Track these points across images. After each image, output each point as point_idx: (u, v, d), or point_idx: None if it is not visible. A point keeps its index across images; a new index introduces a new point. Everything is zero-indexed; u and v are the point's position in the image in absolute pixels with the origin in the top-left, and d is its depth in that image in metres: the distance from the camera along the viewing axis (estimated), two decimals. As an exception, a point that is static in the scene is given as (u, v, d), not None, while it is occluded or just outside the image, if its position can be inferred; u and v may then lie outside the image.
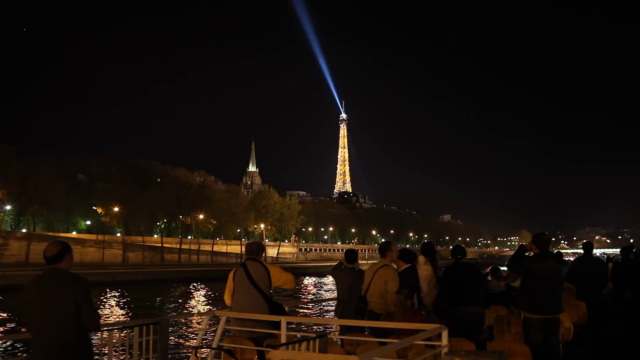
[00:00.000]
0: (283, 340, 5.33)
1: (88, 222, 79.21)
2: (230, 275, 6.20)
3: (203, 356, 5.96)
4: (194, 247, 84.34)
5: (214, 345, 5.95)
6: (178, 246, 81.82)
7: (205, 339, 6.42)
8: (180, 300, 38.09)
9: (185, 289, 46.38)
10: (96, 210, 73.75)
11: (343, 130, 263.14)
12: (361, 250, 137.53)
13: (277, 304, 6.06)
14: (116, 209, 71.38)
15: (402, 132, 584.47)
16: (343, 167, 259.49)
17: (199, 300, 38.90)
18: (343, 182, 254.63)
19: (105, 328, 5.21)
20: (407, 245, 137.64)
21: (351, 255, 7.96)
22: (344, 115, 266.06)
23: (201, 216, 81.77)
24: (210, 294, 43.15)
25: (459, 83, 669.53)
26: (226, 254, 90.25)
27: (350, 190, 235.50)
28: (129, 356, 5.18)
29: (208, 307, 33.52)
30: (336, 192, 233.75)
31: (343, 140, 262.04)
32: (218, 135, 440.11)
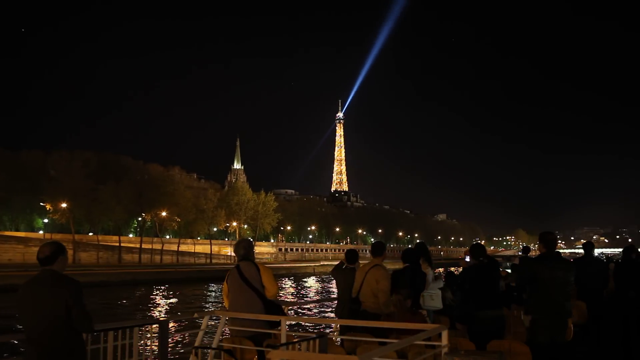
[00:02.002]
0: (283, 340, 5.33)
1: (45, 220, 73.20)
2: (226, 277, 6.24)
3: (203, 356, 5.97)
4: (157, 246, 78.15)
5: (214, 345, 5.95)
6: (139, 245, 75.35)
7: (205, 339, 6.41)
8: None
9: (135, 293, 41.24)
10: (48, 207, 67.77)
11: (340, 130, 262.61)
12: (343, 251, 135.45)
13: (273, 303, 6.05)
14: (64, 205, 64.98)
15: (400, 132, 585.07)
16: (340, 167, 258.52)
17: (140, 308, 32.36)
18: (339, 181, 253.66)
19: (105, 328, 5.21)
20: (400, 245, 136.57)
21: (352, 256, 7.99)
22: (340, 115, 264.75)
23: (164, 213, 74.98)
24: (159, 300, 37.48)
25: (456, 82, 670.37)
26: (194, 253, 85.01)
27: (347, 190, 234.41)
28: (129, 357, 5.18)
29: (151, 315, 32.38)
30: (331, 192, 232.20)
31: (340, 140, 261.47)
32: (215, 135, 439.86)
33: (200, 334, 6.27)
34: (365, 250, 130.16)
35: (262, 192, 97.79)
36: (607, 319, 9.48)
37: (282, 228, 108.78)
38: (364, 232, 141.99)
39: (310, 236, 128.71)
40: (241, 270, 6.03)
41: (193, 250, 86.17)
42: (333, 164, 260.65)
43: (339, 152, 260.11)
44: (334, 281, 8.22)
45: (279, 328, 5.59)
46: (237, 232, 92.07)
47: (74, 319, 4.18)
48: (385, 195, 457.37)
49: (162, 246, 78.63)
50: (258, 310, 5.85)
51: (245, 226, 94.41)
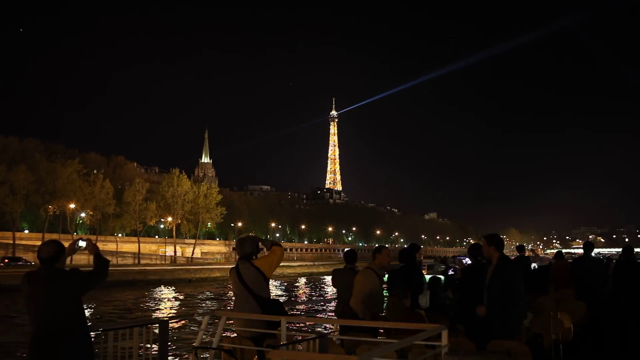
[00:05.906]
0: (283, 340, 5.32)
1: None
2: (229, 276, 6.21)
3: (203, 356, 5.97)
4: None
5: (214, 345, 5.94)
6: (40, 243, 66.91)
7: (205, 339, 6.41)
8: None
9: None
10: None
11: (333, 128, 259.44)
12: (312, 250, 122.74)
13: (273, 303, 5.99)
14: None
15: (397, 132, 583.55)
16: (333, 166, 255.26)
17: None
18: (333, 180, 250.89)
19: (105, 328, 5.21)
20: (388, 245, 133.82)
21: (351, 256, 7.99)
22: (334, 113, 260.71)
23: (72, 205, 66.44)
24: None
25: (454, 80, 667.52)
26: (117, 252, 74.59)
27: (341, 189, 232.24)
28: (128, 357, 5.18)
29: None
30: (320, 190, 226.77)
31: (333, 138, 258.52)
32: (192, 128, 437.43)
33: (200, 334, 6.27)
34: (338, 250, 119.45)
35: (203, 184, 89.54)
36: (607, 319, 9.49)
37: (232, 225, 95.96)
38: (343, 231, 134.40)
39: (278, 234, 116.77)
40: (239, 271, 5.97)
41: (116, 249, 75.79)
42: (327, 162, 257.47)
43: (333, 151, 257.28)
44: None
45: (279, 328, 5.58)
46: (174, 228, 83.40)
47: (94, 272, 4.43)
48: (380, 194, 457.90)
49: (74, 244, 72.14)
50: (255, 312, 5.81)
51: (172, 221, 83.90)
